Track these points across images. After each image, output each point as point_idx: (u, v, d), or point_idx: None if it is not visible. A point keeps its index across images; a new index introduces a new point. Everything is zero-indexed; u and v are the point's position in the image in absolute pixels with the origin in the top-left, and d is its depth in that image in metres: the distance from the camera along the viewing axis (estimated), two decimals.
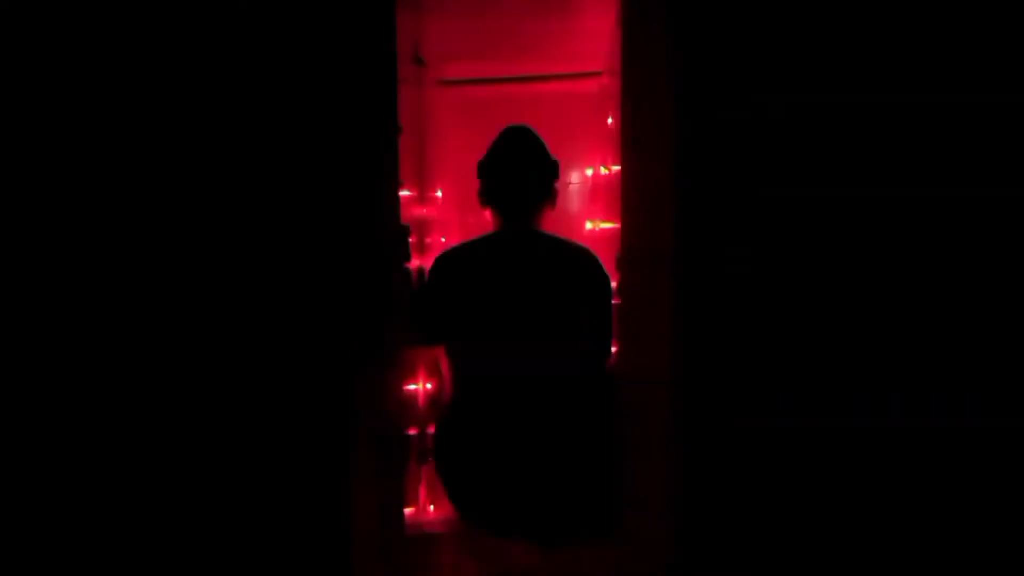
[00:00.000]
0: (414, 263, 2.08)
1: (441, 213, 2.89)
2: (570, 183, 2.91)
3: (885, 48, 1.42)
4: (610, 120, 2.52)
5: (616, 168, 2.00)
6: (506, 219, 2.01)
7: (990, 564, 1.46)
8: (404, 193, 2.05)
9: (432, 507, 2.11)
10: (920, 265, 1.45)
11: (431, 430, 2.11)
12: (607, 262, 1.98)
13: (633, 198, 1.56)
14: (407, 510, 1.80)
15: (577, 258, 1.96)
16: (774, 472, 1.48)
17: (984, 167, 1.43)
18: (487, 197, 2.05)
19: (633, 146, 1.54)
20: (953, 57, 1.42)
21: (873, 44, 1.42)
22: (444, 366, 2.11)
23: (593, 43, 2.59)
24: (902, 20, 1.42)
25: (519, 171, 2.01)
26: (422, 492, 2.15)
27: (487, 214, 2.07)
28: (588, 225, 2.68)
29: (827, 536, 1.48)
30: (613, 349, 1.92)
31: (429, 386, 2.25)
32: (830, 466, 1.47)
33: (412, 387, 2.21)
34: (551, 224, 2.05)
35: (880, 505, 1.47)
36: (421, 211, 2.76)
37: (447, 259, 2.01)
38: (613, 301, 1.89)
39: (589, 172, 2.90)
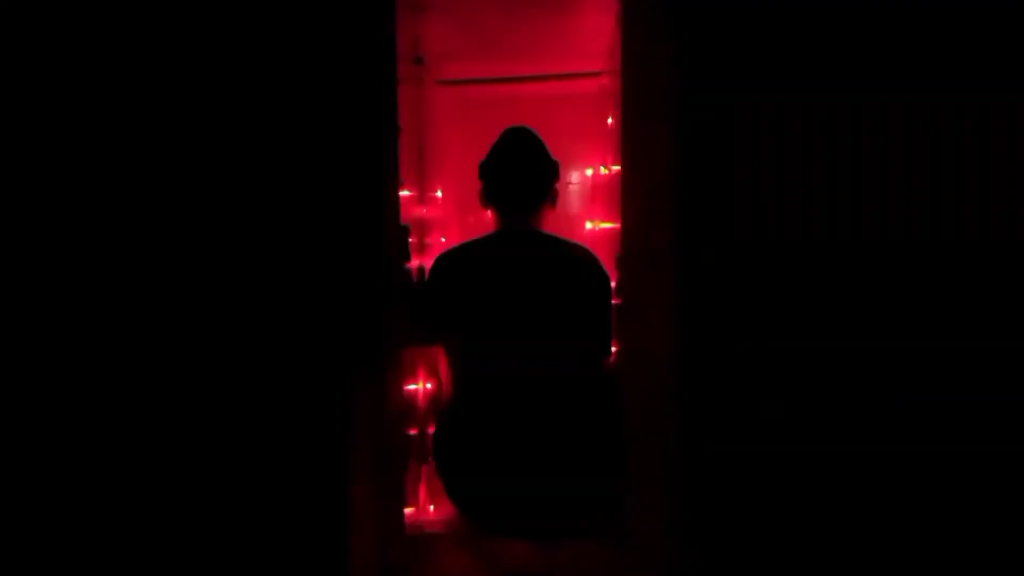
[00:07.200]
0: (414, 263, 2.08)
1: (441, 213, 2.89)
2: (570, 183, 2.91)
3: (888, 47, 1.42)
4: (610, 120, 2.52)
5: (616, 168, 2.00)
6: (507, 219, 2.03)
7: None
8: (404, 193, 2.05)
9: (432, 507, 2.11)
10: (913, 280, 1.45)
11: (431, 430, 2.11)
12: (607, 262, 1.98)
13: (633, 198, 1.56)
14: (407, 510, 1.80)
15: (577, 258, 1.97)
16: (776, 473, 1.48)
17: None
18: (488, 198, 2.06)
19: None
20: None
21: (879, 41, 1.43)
22: (443, 366, 2.11)
23: (593, 43, 2.59)
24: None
25: (520, 172, 2.03)
26: (422, 492, 2.15)
27: (488, 214, 2.09)
28: (588, 225, 2.68)
29: (830, 536, 1.48)
30: (613, 348, 1.92)
31: (429, 386, 2.25)
32: (832, 468, 1.47)
33: (412, 387, 2.21)
34: (551, 224, 2.06)
35: (881, 502, 1.47)
36: (421, 211, 2.76)
37: (448, 259, 2.01)
38: (613, 301, 1.89)
39: (589, 172, 2.90)
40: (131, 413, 1.46)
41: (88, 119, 1.44)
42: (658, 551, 1.52)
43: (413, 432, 2.15)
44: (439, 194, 2.86)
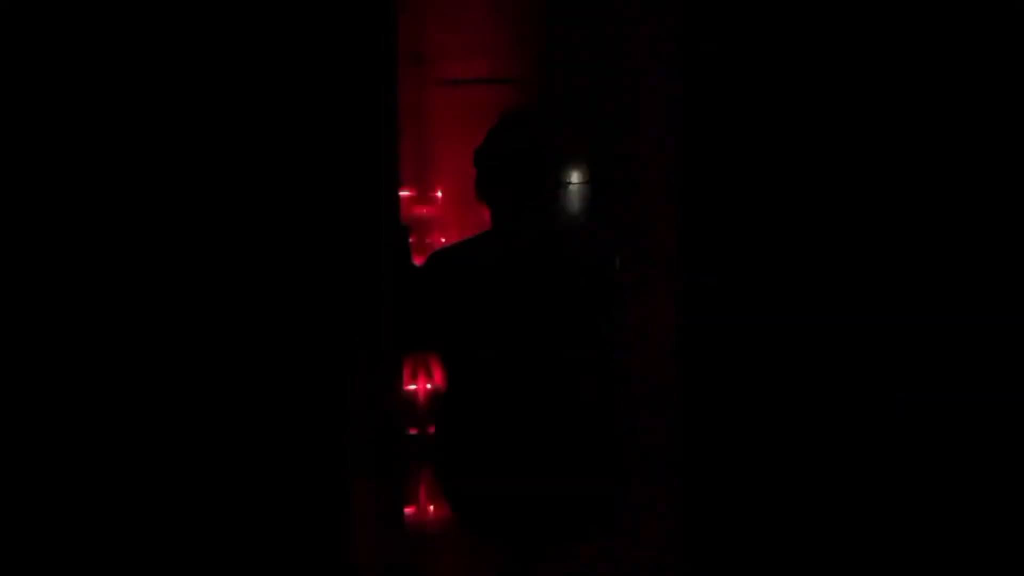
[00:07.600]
0: (414, 263, 2.07)
1: (441, 213, 2.88)
2: (570, 183, 2.91)
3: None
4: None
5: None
6: (506, 214, 1.90)
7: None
8: (404, 193, 2.05)
9: (432, 507, 2.11)
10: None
11: (431, 430, 2.10)
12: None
13: (633, 197, 1.56)
14: (407, 510, 1.80)
15: (582, 258, 1.87)
16: (778, 473, 1.48)
17: None
18: (485, 189, 1.92)
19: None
20: None
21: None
22: (435, 367, 2.06)
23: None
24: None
25: (520, 158, 1.87)
26: (422, 492, 2.14)
27: (485, 210, 1.96)
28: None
29: (831, 536, 1.48)
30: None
31: (429, 386, 2.24)
32: (833, 469, 1.47)
33: (412, 387, 2.20)
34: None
35: (877, 502, 1.47)
36: (421, 211, 2.75)
37: (438, 260, 1.88)
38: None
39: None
40: (129, 414, 1.46)
41: (86, 117, 1.44)
42: (658, 552, 1.52)
43: (413, 432, 2.15)
44: (439, 194, 2.86)
